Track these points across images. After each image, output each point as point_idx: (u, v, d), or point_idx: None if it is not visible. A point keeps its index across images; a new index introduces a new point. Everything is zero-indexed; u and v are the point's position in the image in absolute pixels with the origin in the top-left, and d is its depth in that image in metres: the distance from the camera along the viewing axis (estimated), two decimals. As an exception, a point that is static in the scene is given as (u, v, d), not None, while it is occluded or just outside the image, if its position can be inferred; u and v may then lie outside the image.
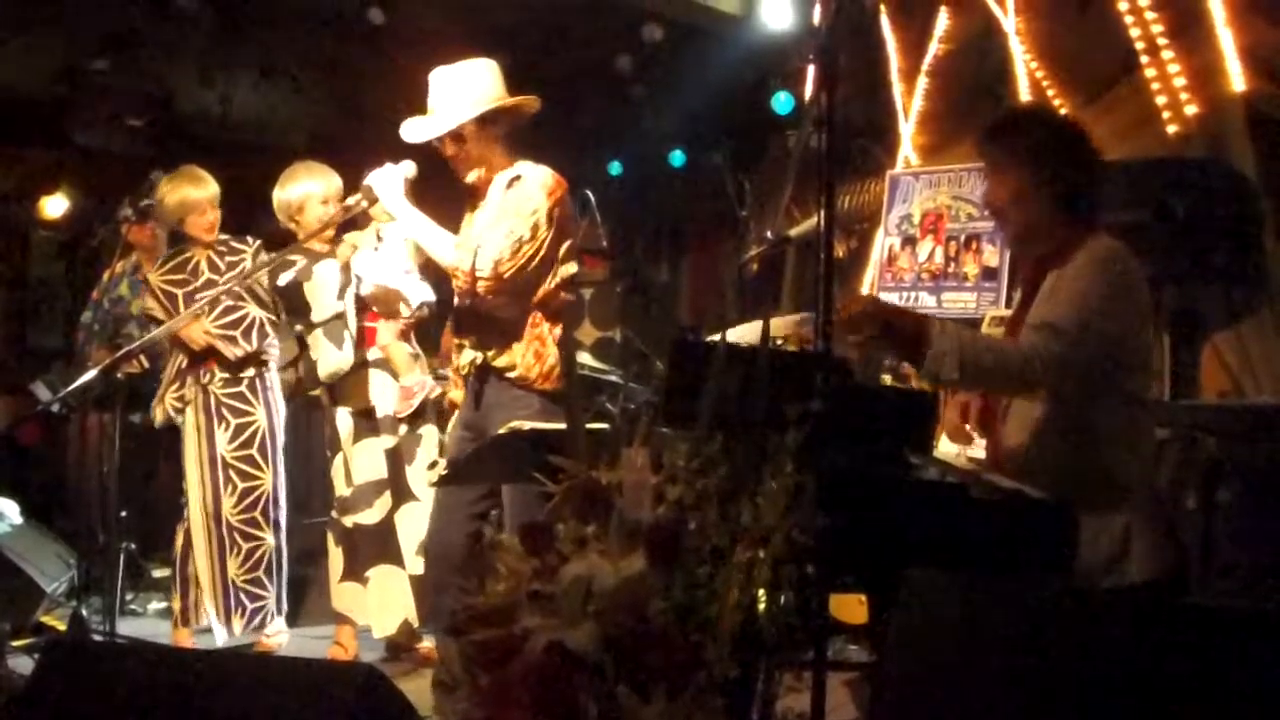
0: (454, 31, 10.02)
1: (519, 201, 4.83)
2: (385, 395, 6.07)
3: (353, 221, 5.94)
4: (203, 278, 6.22)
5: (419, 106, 5.05)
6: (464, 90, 4.95)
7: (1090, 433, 3.61)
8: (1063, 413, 3.57)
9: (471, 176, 5.00)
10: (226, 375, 6.20)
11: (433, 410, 6.15)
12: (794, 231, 4.79)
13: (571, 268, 5.03)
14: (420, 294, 6.07)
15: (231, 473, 6.16)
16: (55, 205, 11.70)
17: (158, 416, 6.23)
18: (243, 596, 6.16)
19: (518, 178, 4.92)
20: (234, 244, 6.40)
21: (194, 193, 6.24)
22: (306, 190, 6.16)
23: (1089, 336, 3.49)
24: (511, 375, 4.92)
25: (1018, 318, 3.85)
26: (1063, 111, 6.62)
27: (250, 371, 6.25)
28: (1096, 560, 3.50)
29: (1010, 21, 7.50)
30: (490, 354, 4.95)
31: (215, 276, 6.23)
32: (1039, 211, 3.71)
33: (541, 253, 4.85)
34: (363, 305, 6.08)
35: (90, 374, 5.30)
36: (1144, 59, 6.46)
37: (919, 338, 3.43)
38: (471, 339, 5.03)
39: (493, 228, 4.84)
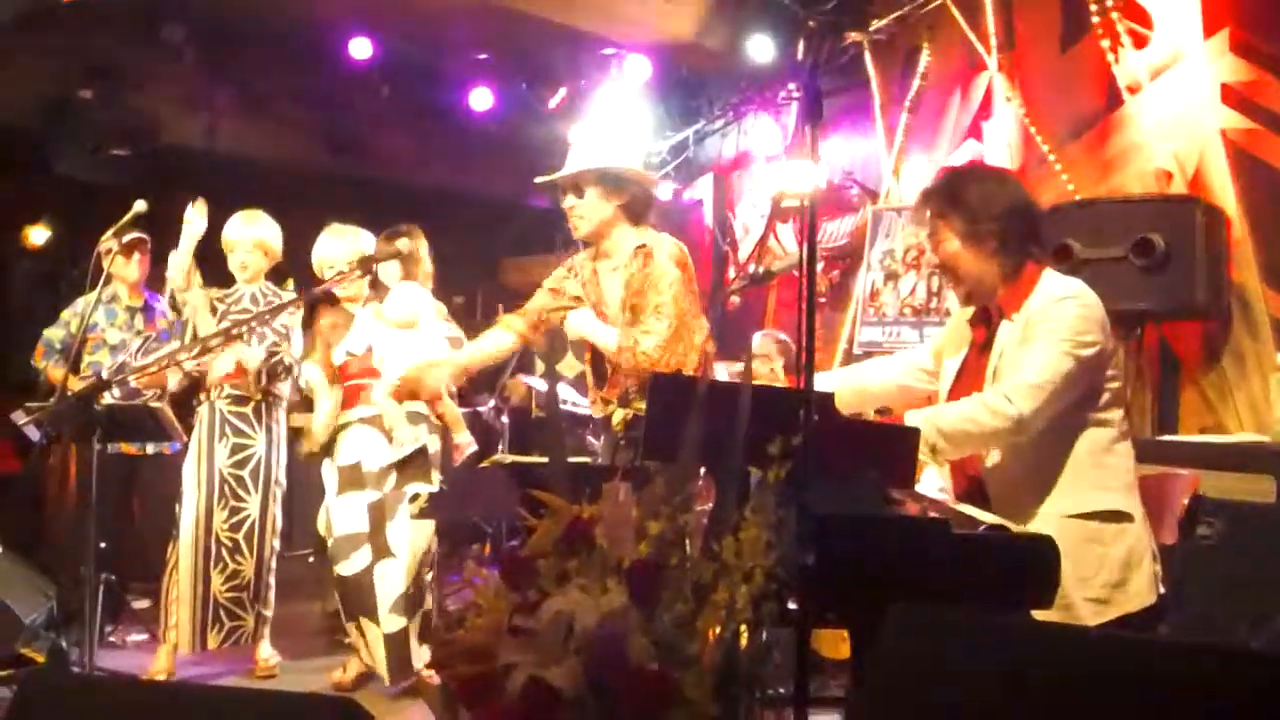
0: (441, 65, 10.08)
1: (656, 277, 5.08)
2: (373, 451, 6.08)
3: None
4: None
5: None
6: (595, 149, 5.16)
7: (1084, 460, 3.64)
8: (1052, 448, 3.58)
9: (582, 232, 5.23)
10: (234, 394, 6.36)
11: (424, 466, 6.17)
12: (776, 266, 4.81)
13: (704, 324, 5.23)
14: (423, 355, 6.15)
15: (225, 489, 6.27)
16: (37, 235, 11.69)
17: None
18: (222, 614, 6.22)
19: (643, 246, 5.15)
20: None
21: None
22: (323, 255, 6.38)
23: (1064, 382, 3.54)
24: None
25: (974, 366, 3.89)
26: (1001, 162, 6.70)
27: (258, 396, 6.41)
28: (1095, 591, 3.52)
29: (993, 59, 7.54)
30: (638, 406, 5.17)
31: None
32: (985, 266, 3.78)
33: (684, 320, 5.08)
34: (358, 364, 6.20)
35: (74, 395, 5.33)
36: (1126, 97, 6.50)
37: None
38: (617, 398, 5.25)
39: (645, 309, 5.07)
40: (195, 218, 6.20)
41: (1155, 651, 2.24)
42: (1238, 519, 4.79)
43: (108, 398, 6.65)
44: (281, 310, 6.23)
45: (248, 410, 6.38)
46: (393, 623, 5.94)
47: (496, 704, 2.19)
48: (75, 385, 6.82)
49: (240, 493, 6.26)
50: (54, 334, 7.60)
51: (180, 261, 6.20)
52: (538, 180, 5.26)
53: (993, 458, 3.73)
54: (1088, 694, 2.00)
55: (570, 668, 2.12)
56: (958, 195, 3.80)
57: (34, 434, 6.53)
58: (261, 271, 6.52)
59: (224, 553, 6.21)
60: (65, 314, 7.66)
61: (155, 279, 7.72)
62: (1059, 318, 3.61)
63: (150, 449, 7.40)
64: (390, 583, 5.98)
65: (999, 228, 3.73)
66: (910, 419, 3.49)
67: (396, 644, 5.94)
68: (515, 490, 2.75)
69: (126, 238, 7.12)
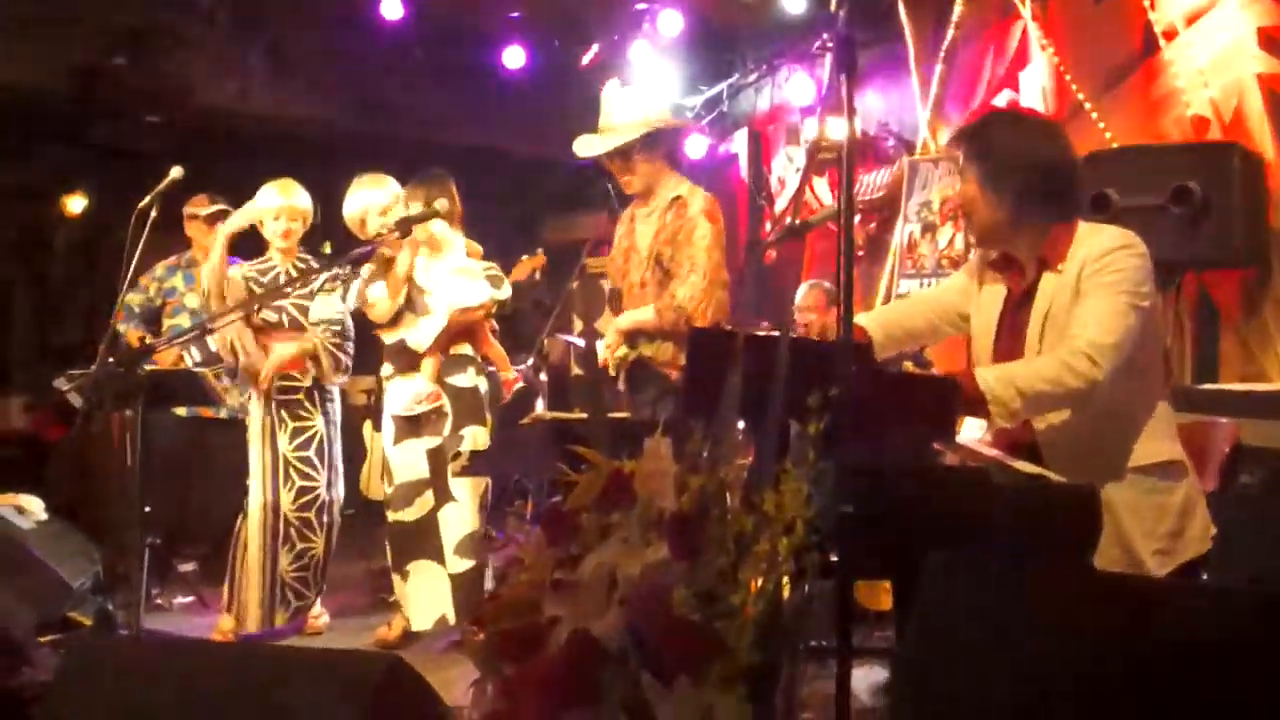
0: (473, 24, 10.06)
1: (690, 230, 5.40)
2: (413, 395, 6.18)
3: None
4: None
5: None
6: (632, 110, 5.49)
7: (1134, 413, 3.63)
8: (1107, 404, 3.53)
9: (636, 188, 5.60)
10: (283, 385, 6.42)
11: (478, 408, 6.23)
12: (813, 219, 4.81)
13: (724, 274, 5.50)
14: (471, 295, 6.17)
15: (291, 470, 6.37)
16: (75, 203, 11.75)
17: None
18: (288, 593, 6.38)
19: (679, 198, 5.47)
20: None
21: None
22: (364, 203, 6.39)
23: (1131, 336, 3.47)
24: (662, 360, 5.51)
25: (1013, 318, 3.80)
26: (1038, 110, 6.63)
27: (308, 382, 6.45)
28: (1159, 542, 3.52)
29: (1027, 7, 7.49)
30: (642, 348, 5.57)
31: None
32: (996, 213, 3.68)
33: (718, 272, 5.43)
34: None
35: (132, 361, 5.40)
36: (1162, 43, 6.45)
37: (971, 392, 3.41)
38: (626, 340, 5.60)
39: (679, 263, 5.41)
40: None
41: (1194, 597, 2.25)
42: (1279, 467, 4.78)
43: (187, 359, 6.87)
44: (323, 280, 6.30)
45: (301, 396, 6.45)
46: (458, 564, 6.07)
47: (539, 658, 2.21)
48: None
49: (309, 472, 6.35)
50: (133, 299, 7.73)
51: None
52: (583, 154, 5.53)
53: (1046, 418, 3.69)
54: (1125, 638, 2.00)
55: (613, 621, 2.13)
56: (985, 141, 3.73)
57: (76, 401, 6.59)
58: (298, 238, 6.55)
59: (292, 533, 6.32)
60: (144, 279, 7.78)
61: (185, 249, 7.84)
62: (1119, 268, 3.51)
63: (224, 412, 7.44)
64: (455, 526, 6.11)
65: (1019, 182, 3.62)
66: (982, 379, 3.40)
67: (465, 584, 6.06)
68: (556, 446, 2.77)
69: (206, 210, 7.27)
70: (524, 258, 7.68)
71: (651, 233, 5.51)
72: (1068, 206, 3.70)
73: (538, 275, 8.63)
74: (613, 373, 5.67)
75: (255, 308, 6.24)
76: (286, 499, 6.33)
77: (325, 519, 6.43)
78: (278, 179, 6.46)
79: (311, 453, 6.39)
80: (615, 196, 6.65)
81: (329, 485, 6.46)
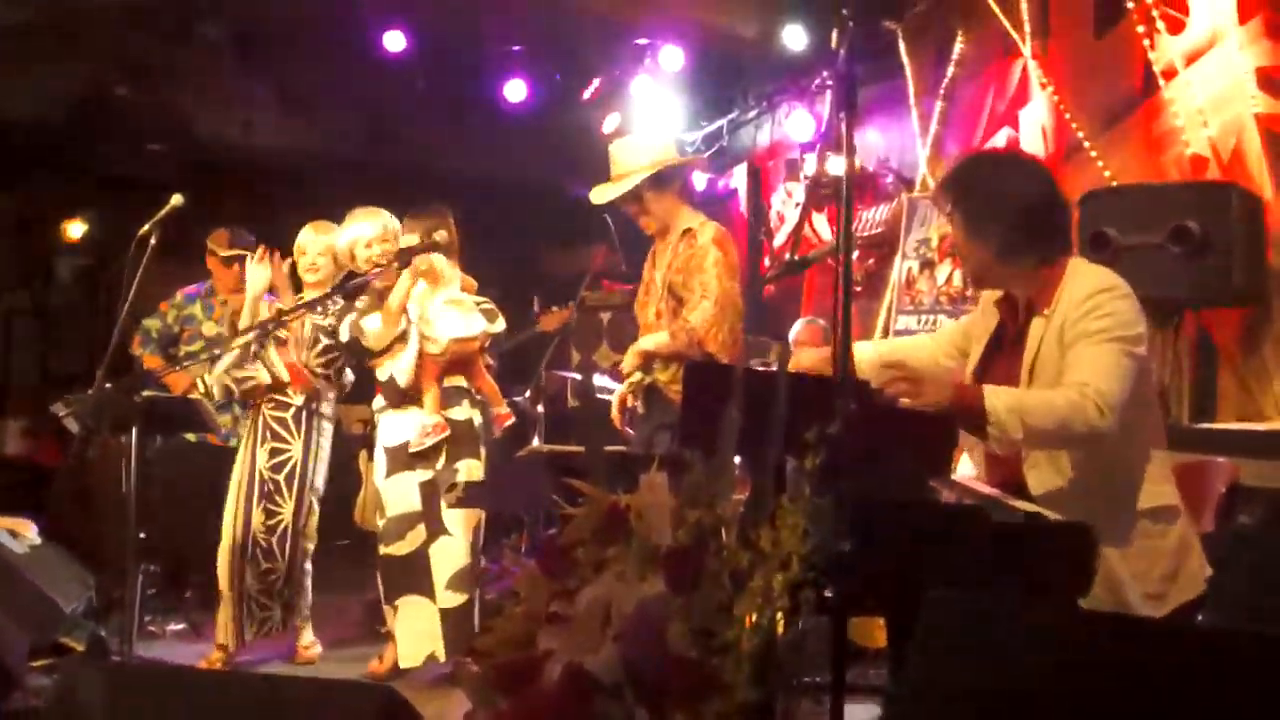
0: (475, 58, 10.09)
1: (700, 257, 5.66)
2: (418, 430, 6.15)
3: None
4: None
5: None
6: (639, 154, 5.75)
7: (1128, 456, 3.59)
8: (1101, 449, 3.52)
9: (653, 228, 5.88)
10: (276, 399, 6.48)
11: (472, 441, 6.22)
12: (812, 254, 4.84)
13: (739, 303, 5.71)
14: (458, 328, 6.17)
15: (265, 489, 6.41)
16: (76, 232, 11.76)
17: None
18: (254, 607, 6.39)
19: (690, 230, 5.73)
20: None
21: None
22: (353, 235, 6.42)
23: (1129, 384, 3.44)
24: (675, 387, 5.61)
25: (1005, 357, 3.78)
26: (1032, 153, 6.62)
27: (299, 400, 6.46)
28: (1152, 586, 3.49)
29: (1027, 46, 7.51)
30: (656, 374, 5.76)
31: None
32: (983, 255, 3.70)
33: (731, 298, 5.63)
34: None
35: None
36: (1161, 82, 6.47)
37: (973, 405, 3.40)
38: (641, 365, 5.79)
39: (691, 289, 5.64)
40: (257, 270, 6.52)
41: (1193, 638, 2.24)
42: (1278, 507, 4.76)
43: (200, 386, 7.04)
44: (326, 300, 6.30)
45: (288, 416, 6.48)
46: (450, 599, 6.01)
47: (533, 691, 2.20)
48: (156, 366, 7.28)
49: (276, 496, 6.37)
50: (151, 324, 7.79)
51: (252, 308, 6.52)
52: (598, 201, 5.81)
53: (1033, 460, 3.67)
54: (1123, 679, 2.00)
55: (608, 655, 2.13)
56: (966, 186, 3.74)
57: (73, 426, 6.60)
58: (330, 277, 6.58)
59: (259, 553, 6.35)
60: (164, 305, 7.84)
61: (186, 277, 7.85)
62: (1108, 313, 3.47)
63: (233, 440, 7.46)
64: (448, 560, 6.05)
65: (1002, 224, 3.63)
66: (990, 401, 3.37)
67: (455, 619, 6.00)
68: (552, 479, 2.77)
69: (225, 252, 7.41)
70: (554, 308, 7.73)
71: (665, 265, 5.73)
72: (1053, 247, 3.69)
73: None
74: (629, 404, 5.82)
75: (272, 327, 6.33)
76: (258, 518, 6.37)
77: (289, 546, 6.43)
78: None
79: (281, 477, 6.41)
80: (614, 229, 6.67)
81: (296, 514, 6.44)
